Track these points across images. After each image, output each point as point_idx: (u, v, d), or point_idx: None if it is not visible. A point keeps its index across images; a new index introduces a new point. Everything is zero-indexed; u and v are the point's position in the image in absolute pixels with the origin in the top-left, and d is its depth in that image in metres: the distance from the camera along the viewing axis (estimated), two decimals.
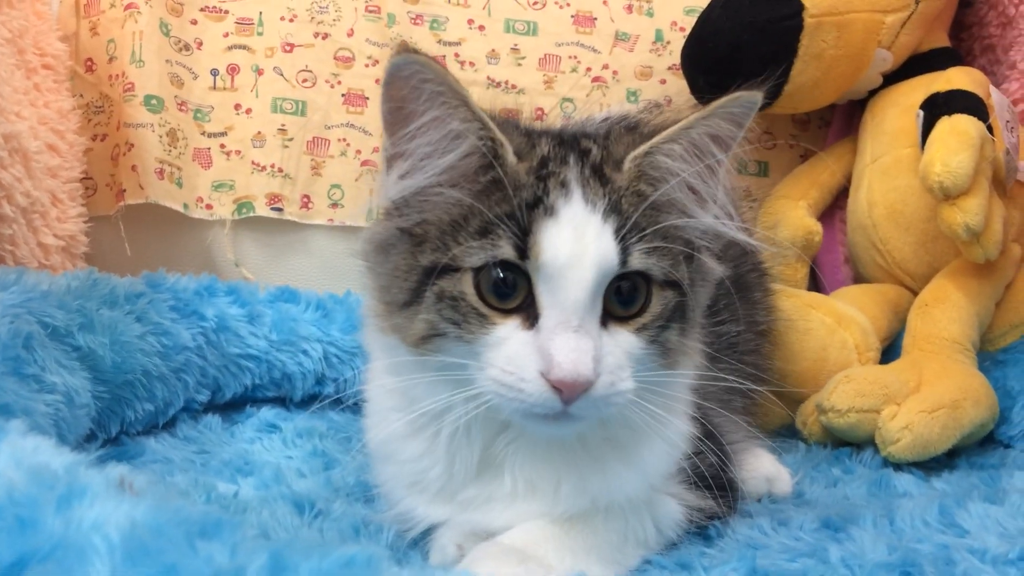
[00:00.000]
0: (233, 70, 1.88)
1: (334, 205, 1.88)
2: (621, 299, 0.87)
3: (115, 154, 1.80)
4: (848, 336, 1.58)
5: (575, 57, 1.95)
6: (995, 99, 1.58)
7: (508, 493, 0.95)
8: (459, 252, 0.86)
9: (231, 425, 1.46)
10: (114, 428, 1.32)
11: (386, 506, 1.05)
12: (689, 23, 1.83)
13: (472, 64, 1.93)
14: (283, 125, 1.87)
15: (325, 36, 1.91)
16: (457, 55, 1.93)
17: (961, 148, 1.46)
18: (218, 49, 1.88)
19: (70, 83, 1.72)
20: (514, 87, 1.93)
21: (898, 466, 1.35)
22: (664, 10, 1.98)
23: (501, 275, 0.85)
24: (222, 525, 0.61)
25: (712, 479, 1.06)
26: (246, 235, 1.88)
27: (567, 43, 1.96)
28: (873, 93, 1.85)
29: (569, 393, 0.82)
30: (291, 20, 1.90)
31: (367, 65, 1.91)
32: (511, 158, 0.89)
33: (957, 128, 1.49)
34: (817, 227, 1.79)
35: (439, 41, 1.92)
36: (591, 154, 0.93)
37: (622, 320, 0.88)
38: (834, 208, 1.91)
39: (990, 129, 1.51)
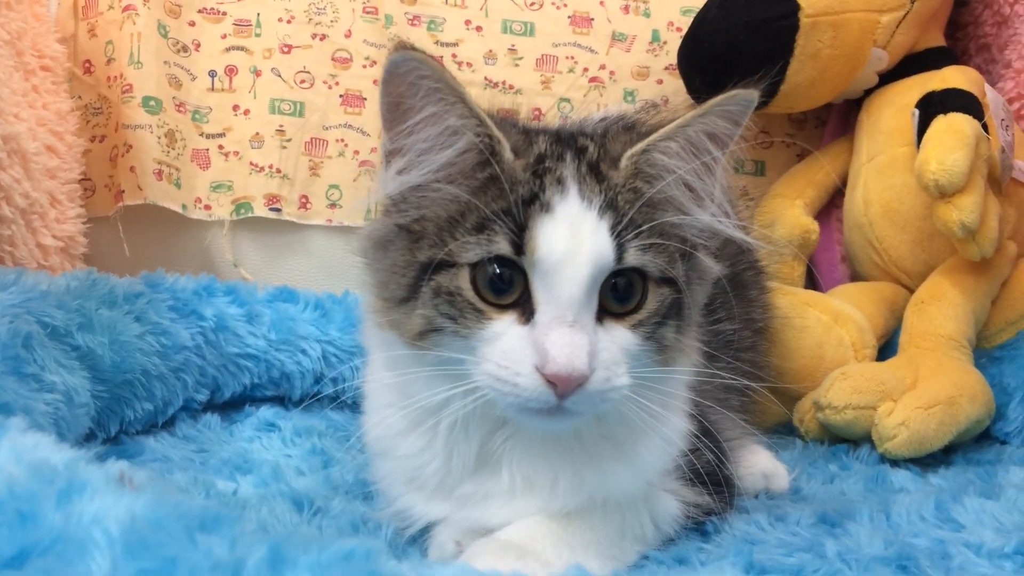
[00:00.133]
0: (231, 71, 1.88)
1: (332, 205, 1.89)
2: (617, 295, 0.88)
3: (113, 155, 1.80)
4: (845, 333, 1.58)
5: (572, 57, 1.95)
6: (990, 98, 1.59)
7: (506, 489, 0.95)
8: (456, 248, 0.87)
9: (230, 424, 1.47)
10: (113, 427, 1.32)
11: (384, 503, 1.05)
12: (686, 23, 1.83)
13: (469, 65, 1.93)
14: (281, 126, 1.88)
15: (323, 37, 1.91)
16: (454, 56, 1.93)
17: (957, 146, 1.46)
18: (216, 50, 1.89)
19: (68, 85, 1.73)
20: (511, 87, 1.93)
21: (894, 462, 1.36)
22: (661, 10, 1.98)
23: (497, 270, 0.86)
24: (221, 519, 0.61)
25: (709, 475, 1.06)
26: (244, 235, 1.88)
27: (564, 43, 1.96)
28: (869, 92, 1.85)
29: (564, 387, 0.82)
30: (289, 21, 1.91)
31: (365, 66, 1.91)
32: (508, 155, 0.90)
33: (953, 127, 1.49)
34: (814, 226, 1.79)
35: (436, 42, 1.93)
36: (588, 151, 0.93)
37: (618, 316, 0.88)
38: (831, 207, 1.91)
39: (985, 128, 1.52)
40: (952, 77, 1.64)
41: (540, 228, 0.85)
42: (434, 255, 0.88)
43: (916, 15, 1.74)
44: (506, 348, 0.85)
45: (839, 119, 1.97)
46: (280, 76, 1.89)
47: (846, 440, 1.46)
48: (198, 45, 1.88)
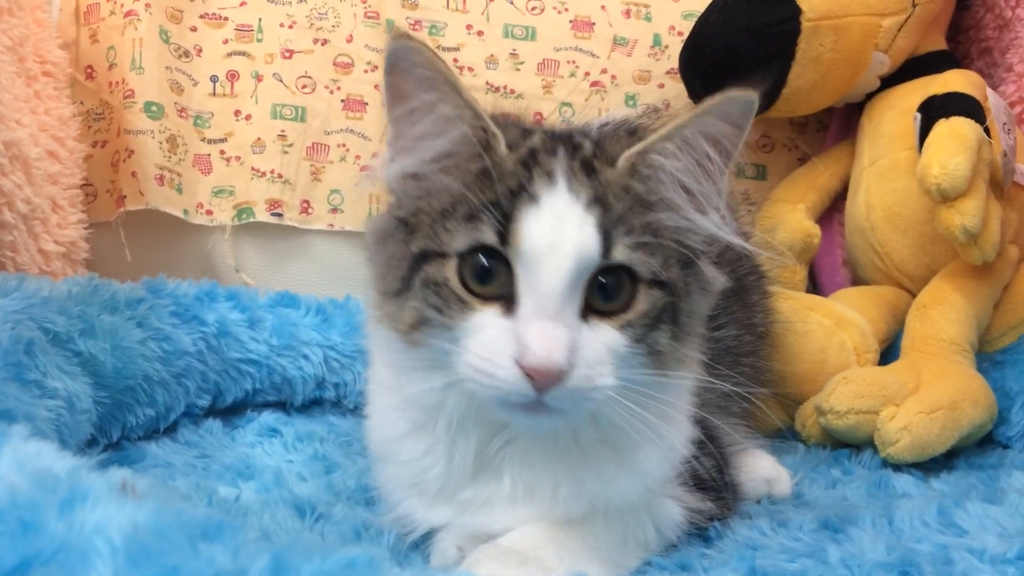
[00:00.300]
0: (233, 76, 1.89)
1: (334, 210, 1.89)
2: (604, 293, 0.86)
3: (115, 160, 1.81)
4: (847, 338, 1.58)
5: (574, 62, 1.96)
6: (992, 102, 1.59)
7: (508, 496, 0.95)
8: (446, 238, 0.87)
9: (232, 430, 1.46)
10: (115, 433, 1.32)
11: (387, 508, 1.05)
12: (687, 28, 1.84)
13: (471, 69, 1.94)
14: (283, 131, 1.88)
15: (324, 42, 1.91)
16: (456, 60, 1.93)
17: (958, 150, 1.46)
18: (218, 56, 1.89)
19: (70, 90, 1.73)
20: (513, 92, 1.94)
21: (897, 467, 1.36)
22: (662, 15, 1.99)
23: (483, 261, 0.86)
24: (224, 527, 0.61)
25: (711, 481, 1.06)
26: (246, 240, 1.88)
27: (566, 48, 1.96)
28: (870, 96, 1.85)
29: (541, 381, 0.81)
30: (290, 27, 1.91)
31: (366, 71, 1.92)
32: (502, 149, 0.90)
33: (954, 131, 1.49)
34: (815, 230, 1.79)
35: (438, 46, 1.93)
36: (583, 148, 0.93)
37: (605, 315, 0.86)
38: (832, 211, 1.91)
39: (987, 132, 1.51)
40: (954, 81, 1.63)
41: (525, 219, 0.85)
42: (425, 245, 0.89)
43: (918, 19, 1.74)
44: (487, 340, 0.84)
45: (841, 123, 1.97)
46: (282, 81, 1.89)
47: (848, 445, 1.46)
48: (200, 50, 1.88)
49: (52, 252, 1.53)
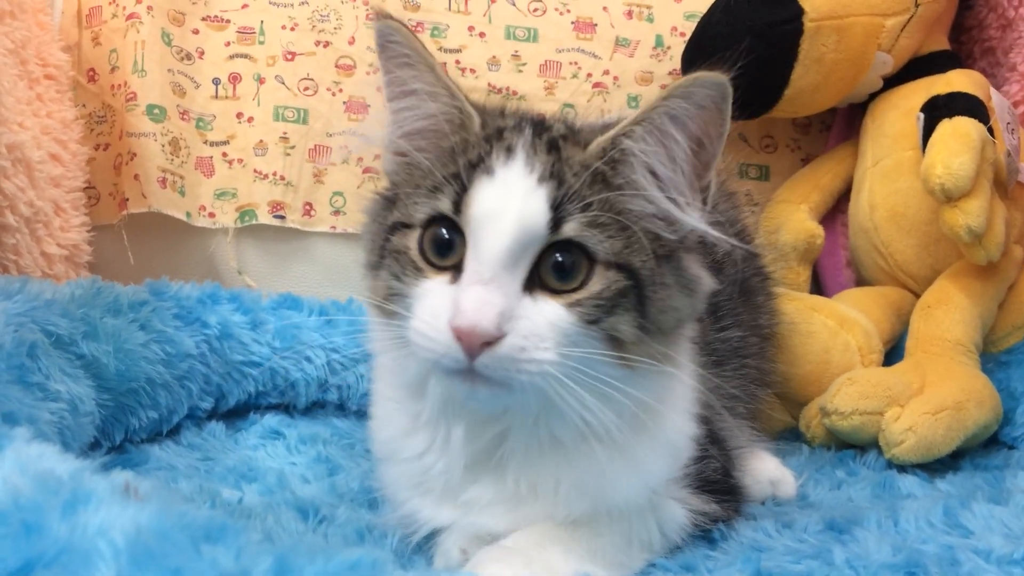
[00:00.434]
0: (235, 79, 1.89)
1: (336, 212, 1.89)
2: (559, 272, 0.86)
3: (118, 163, 1.81)
4: (851, 338, 1.58)
5: (576, 63, 1.95)
6: (995, 101, 1.58)
7: (511, 496, 0.95)
8: (412, 210, 0.91)
9: (235, 432, 1.46)
10: (118, 436, 1.32)
11: (391, 509, 1.05)
12: (689, 28, 1.83)
13: (473, 71, 1.93)
14: (285, 133, 1.88)
15: (326, 44, 1.91)
16: (458, 62, 1.93)
17: (962, 150, 1.46)
18: (220, 58, 1.89)
19: (72, 93, 1.73)
20: (515, 93, 1.93)
21: (902, 468, 1.35)
22: (664, 16, 1.98)
23: (442, 232, 0.88)
24: (227, 529, 0.61)
25: (716, 483, 1.06)
26: (249, 243, 1.88)
27: (568, 49, 1.96)
28: (873, 96, 1.85)
29: (468, 343, 0.82)
30: (292, 29, 1.91)
31: (368, 73, 1.91)
32: (475, 128, 0.93)
33: (958, 130, 1.49)
34: (819, 230, 1.79)
35: (440, 48, 1.93)
36: (553, 129, 0.94)
37: (557, 293, 0.86)
38: (835, 212, 1.91)
39: (991, 131, 1.51)
40: (957, 81, 1.63)
41: (478, 189, 0.86)
42: (397, 218, 0.92)
43: (920, 19, 1.74)
44: (431, 304, 0.86)
45: (844, 123, 1.97)
46: (284, 83, 1.89)
47: (853, 446, 1.45)
48: (202, 53, 1.88)
49: (55, 255, 1.53)
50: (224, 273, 1.85)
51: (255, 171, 1.86)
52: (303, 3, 1.92)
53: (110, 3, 1.84)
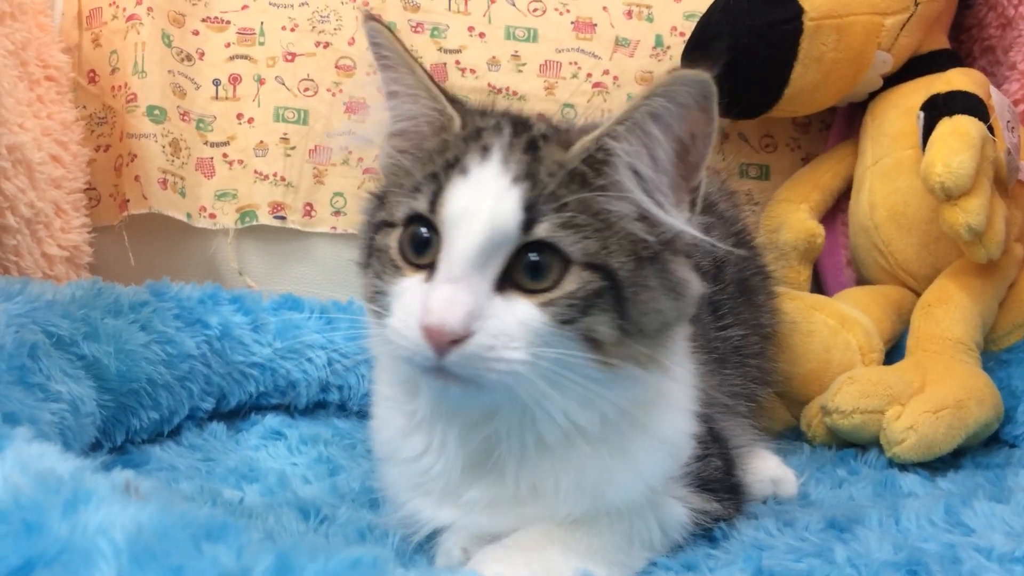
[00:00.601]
0: (235, 80, 1.89)
1: (337, 213, 1.89)
2: (532, 272, 0.85)
3: (118, 164, 1.81)
4: (851, 337, 1.58)
5: (576, 63, 1.95)
6: (995, 100, 1.58)
7: (512, 497, 0.95)
8: (395, 209, 0.92)
9: (236, 433, 1.46)
10: (119, 437, 1.32)
11: (391, 509, 1.05)
12: (689, 28, 1.83)
13: (473, 71, 1.93)
14: (285, 134, 1.88)
15: (326, 45, 1.91)
16: (458, 62, 1.93)
17: (962, 148, 1.46)
18: (220, 59, 1.89)
19: (73, 94, 1.73)
20: (515, 93, 1.93)
21: (903, 466, 1.35)
22: (664, 15, 1.98)
23: (420, 230, 0.88)
24: (228, 528, 0.61)
25: (717, 482, 1.06)
26: (249, 244, 1.88)
27: (567, 49, 1.96)
28: (873, 95, 1.85)
29: (435, 342, 0.82)
30: (292, 30, 1.91)
31: (368, 73, 1.91)
32: (456, 128, 0.94)
33: (958, 129, 1.49)
34: (819, 230, 1.79)
35: (440, 48, 1.93)
36: (534, 129, 0.94)
37: (529, 293, 0.85)
38: (836, 211, 1.91)
39: (991, 130, 1.51)
40: (957, 79, 1.63)
41: (452, 189, 0.86)
42: (382, 217, 0.94)
43: (920, 18, 1.74)
44: (406, 303, 0.86)
45: (843, 122, 1.97)
46: (284, 84, 1.89)
47: (854, 445, 1.45)
48: (202, 54, 1.89)
49: (56, 256, 1.53)
50: (225, 274, 1.86)
51: (255, 172, 1.87)
52: (303, 4, 1.92)
53: (110, 4, 1.84)
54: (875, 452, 1.40)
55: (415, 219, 0.89)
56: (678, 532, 1.01)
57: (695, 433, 1.01)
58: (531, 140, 0.91)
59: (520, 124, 0.95)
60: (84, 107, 1.81)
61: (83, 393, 1.20)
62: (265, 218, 1.86)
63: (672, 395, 0.99)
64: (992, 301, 1.58)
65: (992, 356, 1.57)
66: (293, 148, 1.88)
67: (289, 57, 1.90)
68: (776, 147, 2.01)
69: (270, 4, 1.91)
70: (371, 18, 0.96)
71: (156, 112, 1.80)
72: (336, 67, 1.91)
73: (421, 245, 0.88)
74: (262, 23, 1.90)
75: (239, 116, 1.88)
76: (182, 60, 1.86)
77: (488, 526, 0.95)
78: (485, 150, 0.89)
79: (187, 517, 0.61)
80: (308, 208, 1.88)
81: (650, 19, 1.98)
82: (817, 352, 1.58)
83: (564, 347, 0.85)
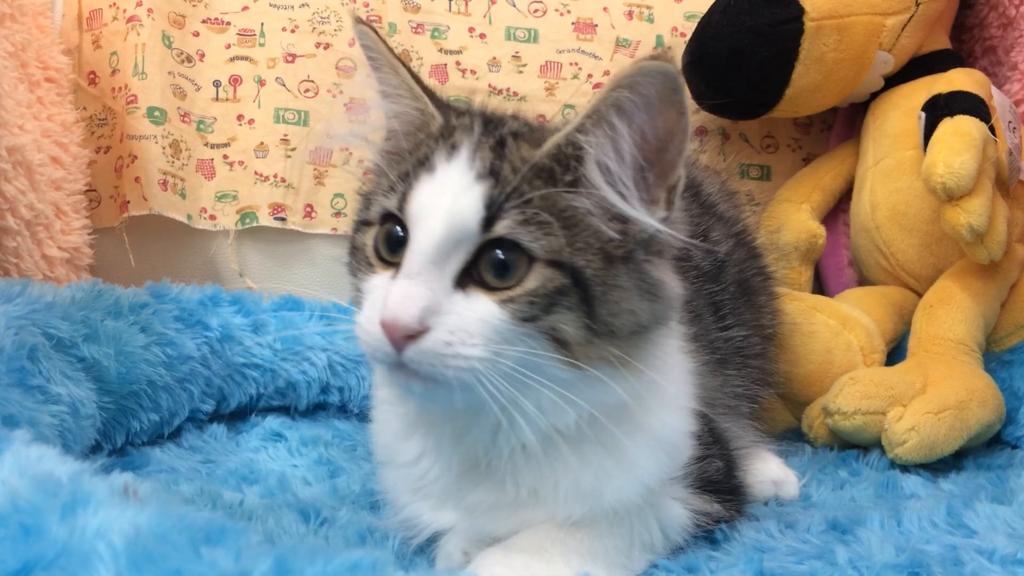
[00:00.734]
0: (235, 81, 1.89)
1: (337, 214, 1.89)
2: (496, 270, 0.85)
3: (118, 166, 1.81)
4: (853, 338, 1.57)
5: (576, 64, 1.95)
6: (997, 100, 1.58)
7: (512, 501, 0.94)
8: (373, 207, 0.93)
9: (236, 434, 1.46)
10: (119, 438, 1.32)
11: (392, 512, 1.05)
12: (690, 29, 1.83)
13: (473, 72, 1.93)
14: (285, 135, 1.88)
15: (327, 46, 1.91)
16: (458, 63, 1.93)
17: (963, 149, 1.45)
18: (220, 60, 1.89)
19: (73, 96, 1.73)
20: (516, 94, 1.93)
21: (905, 468, 1.35)
22: (664, 16, 1.98)
23: (394, 229, 0.89)
24: (226, 531, 0.61)
25: (719, 483, 1.06)
26: (249, 245, 1.88)
27: (568, 50, 1.96)
28: (875, 96, 1.85)
29: (391, 336, 0.82)
30: (292, 31, 1.91)
31: (369, 75, 1.91)
32: (434, 129, 0.95)
33: (959, 129, 1.49)
34: (820, 230, 1.79)
35: (440, 50, 1.93)
36: (505, 126, 0.93)
37: (492, 290, 0.85)
38: (837, 211, 1.91)
39: (992, 130, 1.51)
40: (958, 80, 1.63)
41: (418, 187, 0.87)
42: (363, 216, 0.95)
43: (921, 18, 1.74)
44: (373, 299, 0.87)
45: (845, 123, 1.97)
46: (284, 85, 1.89)
47: (856, 446, 1.45)
48: (202, 55, 1.88)
49: (56, 258, 1.53)
50: (225, 275, 1.85)
51: (256, 173, 1.86)
52: (303, 5, 1.92)
53: (110, 6, 1.84)
54: (877, 453, 1.40)
55: (389, 217, 0.90)
56: (679, 534, 1.00)
57: (695, 433, 1.01)
58: (500, 138, 0.90)
59: (492, 122, 0.95)
60: (84, 109, 1.81)
61: (83, 395, 1.20)
62: (265, 219, 1.86)
63: (667, 394, 0.98)
64: (994, 302, 1.58)
65: (994, 357, 1.57)
66: (293, 149, 1.88)
67: (289, 58, 1.90)
68: (777, 148, 2.01)
69: (270, 5, 1.91)
70: (360, 21, 0.98)
71: (156, 113, 1.80)
72: (337, 68, 1.91)
73: (395, 243, 0.88)
74: (262, 24, 1.90)
75: (239, 117, 1.88)
76: (182, 61, 1.86)
77: (489, 529, 0.95)
78: (453, 148, 0.89)
79: (185, 520, 0.61)
80: (308, 209, 1.88)
81: (651, 20, 1.98)
82: (818, 353, 1.58)
83: (528, 346, 0.84)
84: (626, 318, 0.87)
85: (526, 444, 0.91)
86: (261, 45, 1.90)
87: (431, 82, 1.88)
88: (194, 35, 1.89)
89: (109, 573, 0.56)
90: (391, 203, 0.89)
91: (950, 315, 1.53)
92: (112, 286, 1.40)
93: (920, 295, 1.66)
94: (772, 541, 1.02)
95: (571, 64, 1.95)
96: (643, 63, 0.82)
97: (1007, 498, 1.07)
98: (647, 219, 0.87)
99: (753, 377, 1.33)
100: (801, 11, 1.67)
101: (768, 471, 1.26)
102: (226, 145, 1.87)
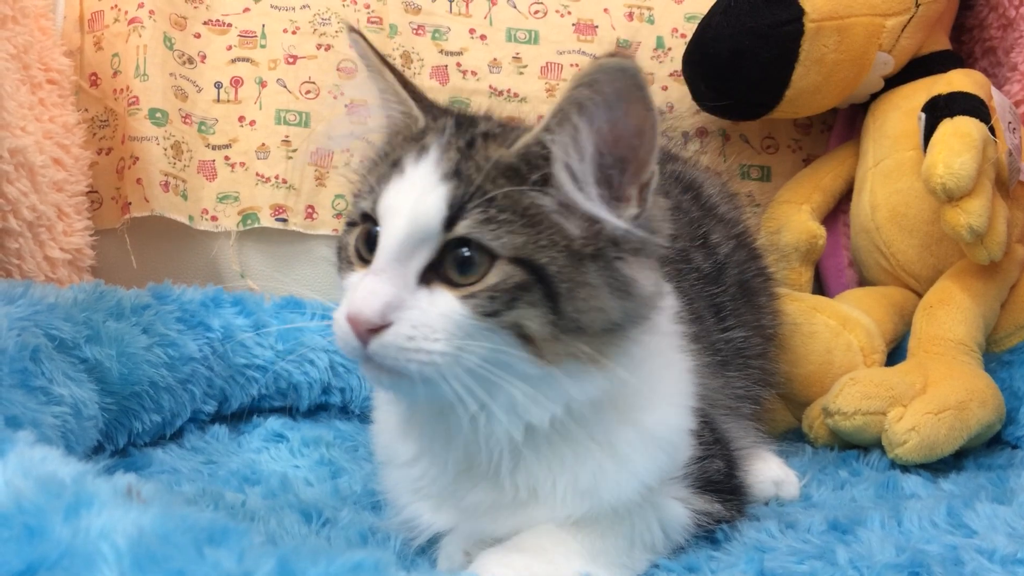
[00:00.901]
0: (237, 82, 1.89)
1: (338, 215, 1.89)
2: (460, 267, 0.86)
3: (120, 167, 1.81)
4: (853, 338, 1.58)
5: (577, 65, 1.95)
6: (997, 101, 1.58)
7: (512, 499, 0.95)
8: (356, 207, 0.95)
9: (238, 435, 1.47)
10: (121, 439, 1.32)
11: (393, 513, 1.05)
12: (690, 30, 1.83)
13: (474, 73, 1.94)
14: (287, 136, 1.88)
15: (328, 48, 1.91)
16: (459, 65, 1.93)
17: (963, 150, 1.46)
18: (222, 62, 1.89)
19: (75, 97, 1.74)
20: (516, 96, 1.94)
21: (905, 468, 1.35)
22: (665, 17, 1.99)
23: (373, 227, 0.90)
24: (229, 532, 0.61)
25: (719, 483, 1.06)
26: (251, 246, 1.88)
27: (569, 51, 1.96)
28: (875, 97, 1.85)
29: (355, 330, 0.84)
30: (294, 32, 1.91)
31: (368, 77, 1.91)
32: (413, 133, 0.97)
33: (959, 130, 1.49)
34: (821, 231, 1.79)
35: (441, 51, 1.93)
36: (478, 127, 0.94)
37: (456, 287, 0.86)
38: (837, 212, 1.91)
39: (992, 131, 1.51)
40: (958, 80, 1.63)
41: (388, 188, 0.89)
42: (349, 217, 0.97)
43: (921, 19, 1.74)
44: (349, 296, 0.88)
45: (845, 124, 1.97)
46: (285, 87, 1.90)
47: (856, 446, 1.45)
48: (204, 57, 1.89)
49: (58, 259, 1.54)
50: (227, 276, 1.86)
51: (257, 174, 1.87)
52: (304, 7, 1.92)
53: (112, 8, 1.85)
54: (877, 453, 1.40)
55: (367, 217, 0.92)
56: (680, 533, 1.01)
57: (694, 431, 1.01)
58: (471, 139, 0.91)
59: (464, 123, 0.95)
60: (86, 110, 1.81)
61: (85, 396, 1.20)
62: (267, 220, 1.86)
63: (658, 391, 0.98)
64: (994, 302, 1.58)
65: (994, 357, 1.57)
66: (295, 150, 1.88)
67: (291, 60, 1.90)
68: (777, 148, 2.01)
69: (271, 7, 1.92)
70: (352, 29, 1.02)
71: (158, 115, 1.80)
72: (338, 69, 1.91)
73: (372, 242, 0.90)
74: (263, 26, 1.91)
75: (241, 119, 1.88)
76: (184, 63, 1.87)
77: (489, 529, 0.95)
78: (423, 149, 0.90)
79: (189, 521, 0.61)
80: (310, 210, 1.88)
81: (651, 21, 1.98)
82: (819, 353, 1.58)
83: (492, 342, 0.85)
84: (595, 315, 0.87)
85: (515, 443, 0.91)
86: (262, 47, 1.90)
87: (431, 84, 1.90)
88: (195, 37, 1.89)
89: (113, 574, 0.56)
90: (367, 203, 0.91)
91: (950, 315, 1.53)
92: (114, 287, 1.40)
93: (920, 295, 1.66)
94: (773, 541, 1.03)
95: (572, 65, 1.95)
96: (602, 60, 0.82)
97: (1007, 498, 1.07)
98: (608, 217, 0.87)
99: (754, 378, 1.33)
100: (801, 12, 1.67)
101: (769, 471, 1.26)
102: (227, 146, 1.87)
